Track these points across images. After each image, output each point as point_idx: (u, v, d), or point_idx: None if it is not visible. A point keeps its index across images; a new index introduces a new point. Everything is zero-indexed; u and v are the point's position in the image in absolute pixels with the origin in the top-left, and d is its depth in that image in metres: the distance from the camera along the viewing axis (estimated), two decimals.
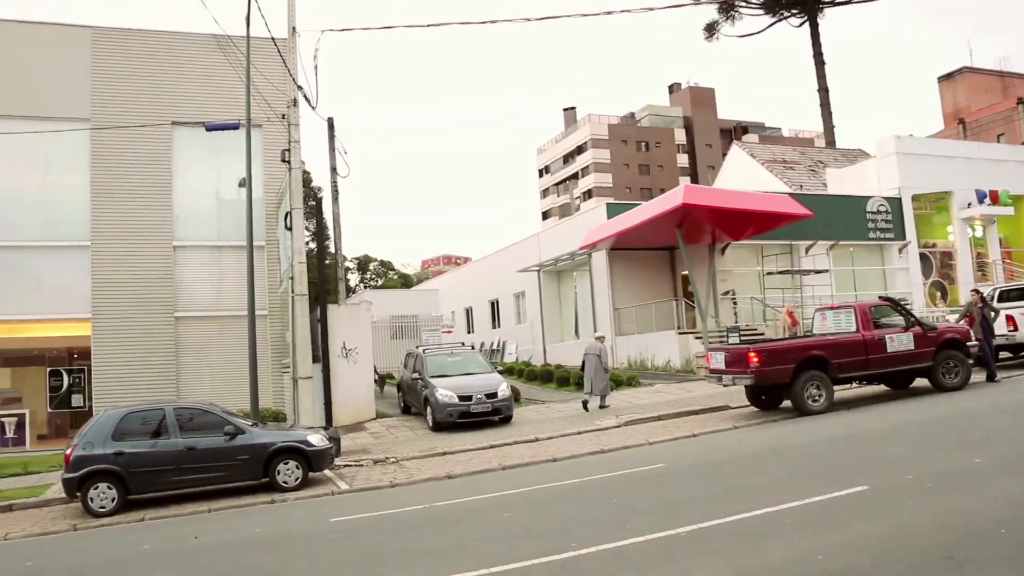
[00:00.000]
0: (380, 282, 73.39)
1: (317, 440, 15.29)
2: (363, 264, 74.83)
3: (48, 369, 24.46)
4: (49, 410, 24.38)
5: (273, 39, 19.13)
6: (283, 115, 18.96)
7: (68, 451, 14.36)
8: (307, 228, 23.29)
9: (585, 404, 21.49)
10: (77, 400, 24.09)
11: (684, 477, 11.98)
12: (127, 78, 24.44)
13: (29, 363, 25.22)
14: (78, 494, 14.19)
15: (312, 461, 15.09)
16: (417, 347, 24.39)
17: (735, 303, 31.23)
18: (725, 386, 18.27)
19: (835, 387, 17.51)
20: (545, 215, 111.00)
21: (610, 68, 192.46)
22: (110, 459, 14.21)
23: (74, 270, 23.58)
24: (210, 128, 18.44)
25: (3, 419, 22.88)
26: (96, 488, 14.15)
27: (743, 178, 41.83)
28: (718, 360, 18.15)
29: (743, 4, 55.78)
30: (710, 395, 21.48)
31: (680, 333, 28.22)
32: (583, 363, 22.12)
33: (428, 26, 21.31)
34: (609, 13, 21.59)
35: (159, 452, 14.43)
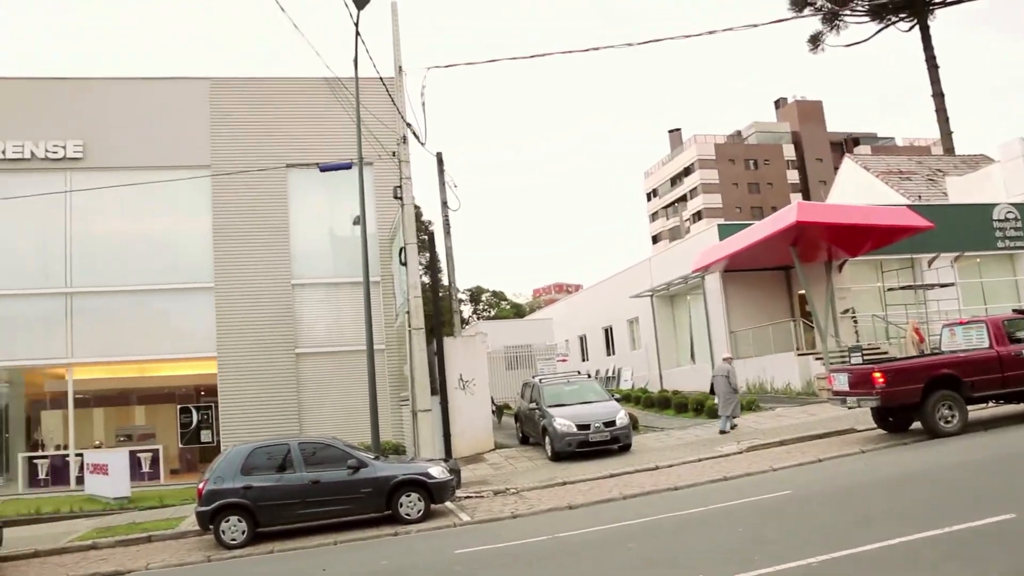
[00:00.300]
0: (492, 313, 73.91)
1: (438, 472, 15.38)
2: (475, 295, 75.57)
3: (178, 406, 25.48)
4: (180, 446, 25.35)
5: (381, 79, 19.58)
6: (393, 152, 19.35)
7: (200, 485, 14.84)
8: (420, 262, 23.63)
9: (722, 430, 21.35)
10: (206, 436, 24.94)
11: (812, 504, 11.57)
12: (244, 124, 25.42)
13: (161, 401, 26.37)
14: (211, 527, 14.63)
15: (434, 493, 15.17)
16: (533, 377, 24.40)
17: (855, 321, 30.22)
18: (850, 408, 17.64)
19: (969, 407, 16.69)
20: (655, 239, 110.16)
21: (713, 87, 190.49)
22: (239, 493, 14.61)
23: (199, 311, 24.52)
24: (324, 168, 18.98)
25: (139, 454, 23.84)
26: (227, 521, 14.55)
27: (857, 192, 40.63)
28: (841, 381, 17.55)
29: (848, 12, 54.45)
30: (834, 418, 20.77)
31: (799, 354, 27.44)
32: (711, 386, 21.94)
33: (531, 57, 21.49)
34: (712, 32, 21.25)
35: (285, 486, 14.77)
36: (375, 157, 22.10)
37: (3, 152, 24.41)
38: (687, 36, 26.39)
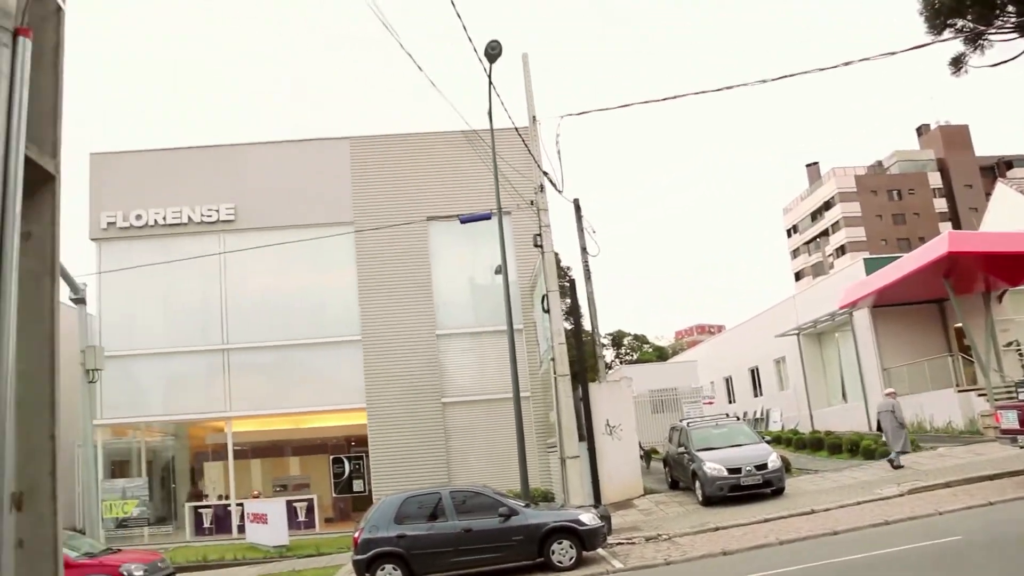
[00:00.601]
0: (635, 356, 73.20)
1: (589, 519, 15.23)
2: (617, 340, 75.05)
3: (331, 457, 26.17)
4: (333, 495, 25.99)
5: (516, 129, 19.88)
6: (531, 201, 19.53)
7: (356, 534, 15.15)
8: (561, 308, 23.73)
9: (891, 462, 20.52)
10: (358, 485, 25.49)
11: (985, 552, 10.87)
12: (383, 180, 26.21)
13: (314, 452, 27.20)
14: (367, 575, 14.88)
15: (585, 540, 15.02)
16: (680, 420, 23.99)
17: (1021, 355, 28.44)
18: (1021, 447, 16.54)
19: None
20: (797, 276, 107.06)
21: (850, 118, 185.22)
22: (393, 542, 14.83)
23: (348, 363, 25.22)
24: (464, 220, 19.33)
25: (295, 504, 24.55)
26: (383, 569, 14.78)
27: (1013, 217, 38.44)
28: (1010, 419, 16.47)
29: (993, 31, 52.13)
30: (1004, 458, 19.48)
31: (960, 391, 25.99)
32: (877, 423, 21.20)
33: (663, 100, 21.44)
34: (848, 64, 20.67)
35: (438, 534, 14.90)
36: (513, 207, 22.39)
37: (163, 218, 25.92)
38: (821, 69, 25.79)
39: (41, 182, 3.69)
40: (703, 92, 20.58)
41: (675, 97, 20.43)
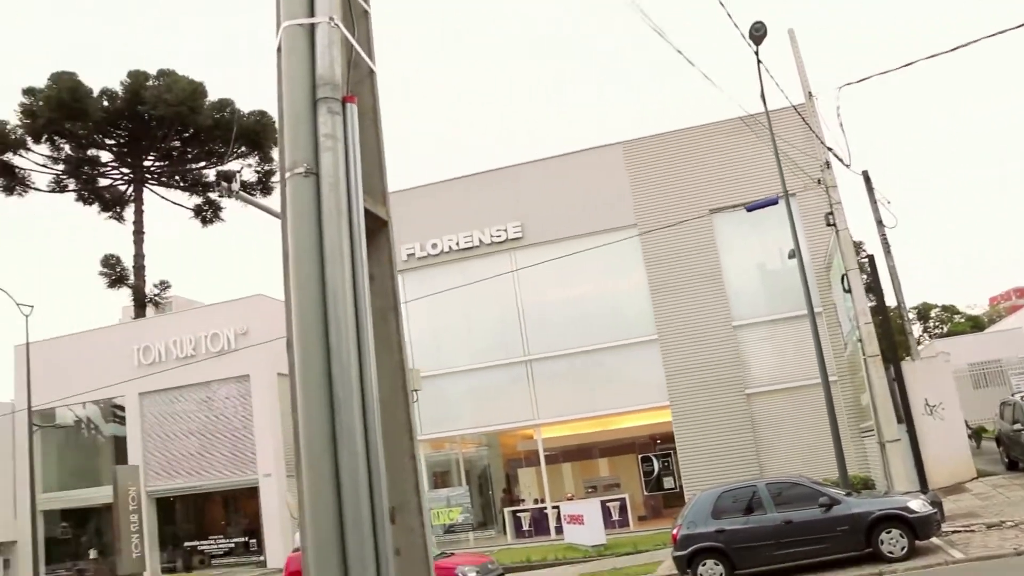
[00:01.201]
0: (945, 329, 67.87)
1: (918, 506, 14.38)
2: (923, 313, 69.92)
3: (639, 456, 26.52)
4: (644, 493, 26.33)
5: (794, 107, 19.24)
6: (818, 180, 18.82)
7: (674, 531, 15.29)
8: (862, 285, 22.65)
9: None
10: (667, 483, 25.64)
11: None
12: (661, 179, 26.19)
13: (621, 452, 27.71)
14: (688, 570, 14.97)
15: (916, 529, 14.17)
16: (1013, 394, 22.05)
17: None
18: None
19: None
20: None
21: None
22: (713, 536, 14.81)
23: (647, 363, 25.43)
24: (751, 209, 18.96)
25: (608, 503, 25.09)
26: (704, 564, 14.82)
27: None
28: None
29: None
30: None
31: None
32: None
33: (952, 50, 19.71)
34: None
35: (757, 527, 14.69)
36: (799, 188, 21.62)
37: (456, 243, 27.57)
38: None
39: (377, 229, 4.13)
40: (1000, 32, 18.71)
41: (967, 45, 18.55)
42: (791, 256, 19.69)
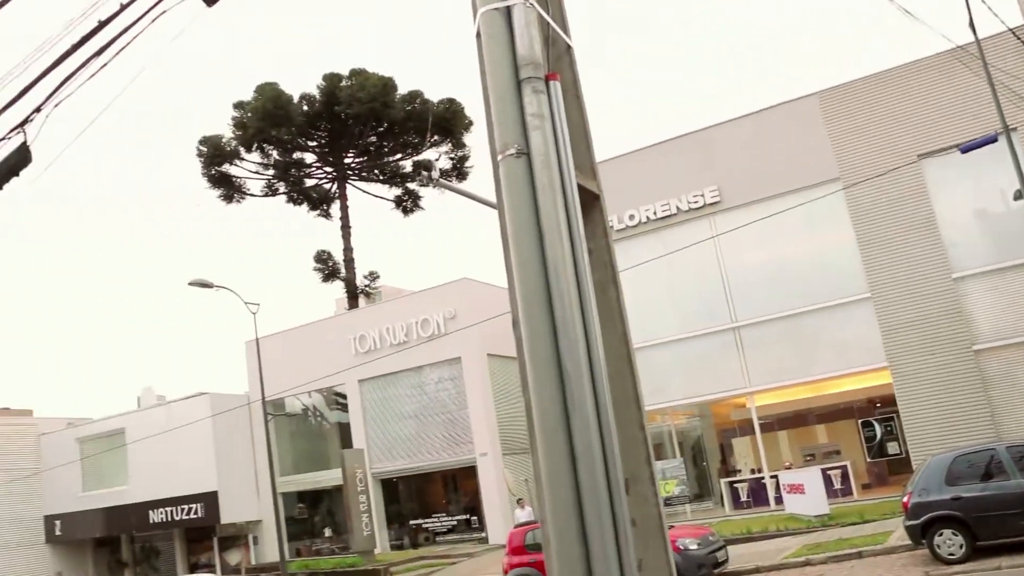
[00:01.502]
0: None
1: None
2: None
3: (858, 421, 25.39)
4: (868, 460, 25.19)
5: (1011, 30, 17.75)
6: None
7: (905, 499, 14.55)
8: None
9: None
10: (892, 448, 24.42)
11: None
12: (862, 127, 24.72)
13: (839, 417, 26.62)
14: (923, 541, 14.22)
15: None
16: None
17: None
18: None
19: None
20: None
21: None
22: (948, 504, 13.98)
23: (861, 322, 24.24)
24: (965, 150, 17.68)
25: (828, 471, 24.21)
26: (940, 535, 14.03)
27: None
28: None
29: None
30: None
31: None
32: None
33: None
34: None
35: (1000, 495, 13.72)
36: (1020, 121, 19.95)
37: (654, 213, 27.24)
38: None
39: (590, 202, 4.16)
40: None
41: None
42: (1017, 197, 18.17)
